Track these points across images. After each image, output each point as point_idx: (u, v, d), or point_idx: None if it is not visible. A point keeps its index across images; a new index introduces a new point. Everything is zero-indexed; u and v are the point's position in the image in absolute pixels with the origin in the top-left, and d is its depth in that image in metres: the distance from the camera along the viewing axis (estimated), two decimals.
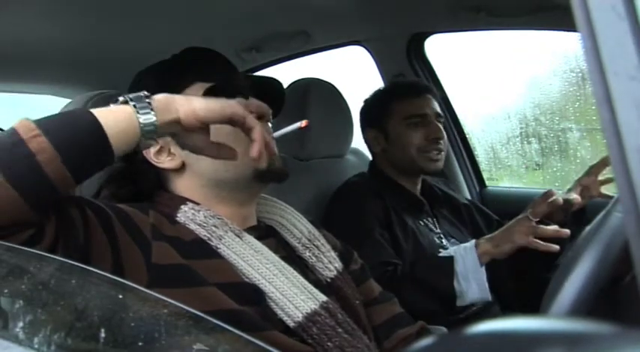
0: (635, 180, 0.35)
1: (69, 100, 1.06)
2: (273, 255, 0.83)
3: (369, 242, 1.30)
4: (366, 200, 1.40)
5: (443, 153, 1.50)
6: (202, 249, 0.81)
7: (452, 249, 1.34)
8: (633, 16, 0.36)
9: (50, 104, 2.01)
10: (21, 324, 0.47)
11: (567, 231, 1.29)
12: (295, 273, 0.83)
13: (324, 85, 1.58)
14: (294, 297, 0.80)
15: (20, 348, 0.45)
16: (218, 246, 0.81)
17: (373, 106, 1.56)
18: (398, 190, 1.49)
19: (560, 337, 0.32)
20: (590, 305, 0.70)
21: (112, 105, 0.69)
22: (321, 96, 1.55)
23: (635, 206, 0.35)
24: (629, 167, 0.35)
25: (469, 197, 1.92)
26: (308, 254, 0.91)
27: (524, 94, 2.27)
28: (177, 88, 0.88)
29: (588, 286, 0.71)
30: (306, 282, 0.83)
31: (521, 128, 2.14)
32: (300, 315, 0.79)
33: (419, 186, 1.54)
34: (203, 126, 0.71)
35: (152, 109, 0.67)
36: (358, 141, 1.68)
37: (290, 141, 1.51)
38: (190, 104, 0.70)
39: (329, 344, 0.79)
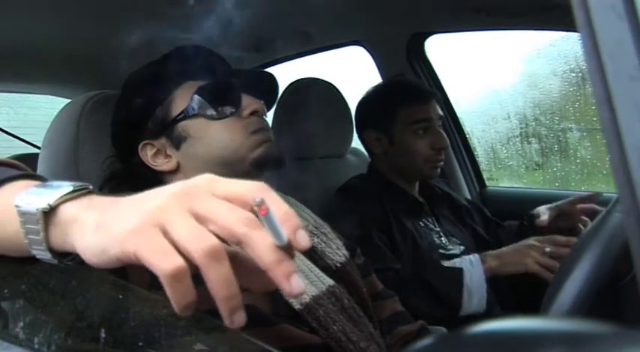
0: (635, 180, 0.35)
1: (69, 100, 1.06)
2: None
3: (369, 247, 1.29)
4: (365, 204, 1.40)
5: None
6: None
7: (458, 261, 1.34)
8: (633, 16, 0.36)
9: (50, 104, 2.01)
10: (21, 324, 0.47)
11: (574, 239, 1.28)
12: (302, 257, 0.83)
13: (324, 85, 1.58)
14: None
15: (20, 348, 0.45)
16: None
17: (375, 107, 1.54)
18: (397, 192, 1.48)
19: (560, 337, 0.32)
20: (590, 305, 0.70)
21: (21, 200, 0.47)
22: (321, 96, 1.55)
23: (635, 206, 0.35)
24: (629, 167, 0.35)
25: (469, 197, 1.92)
26: (316, 240, 0.90)
27: (524, 94, 2.26)
28: (166, 89, 0.86)
29: (588, 286, 0.71)
30: (313, 266, 0.83)
31: (521, 128, 2.14)
32: (307, 297, 0.78)
33: (417, 187, 1.54)
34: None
35: (44, 231, 0.46)
36: (358, 142, 1.68)
37: (290, 141, 1.51)
38: (88, 244, 0.44)
39: (334, 327, 0.78)
